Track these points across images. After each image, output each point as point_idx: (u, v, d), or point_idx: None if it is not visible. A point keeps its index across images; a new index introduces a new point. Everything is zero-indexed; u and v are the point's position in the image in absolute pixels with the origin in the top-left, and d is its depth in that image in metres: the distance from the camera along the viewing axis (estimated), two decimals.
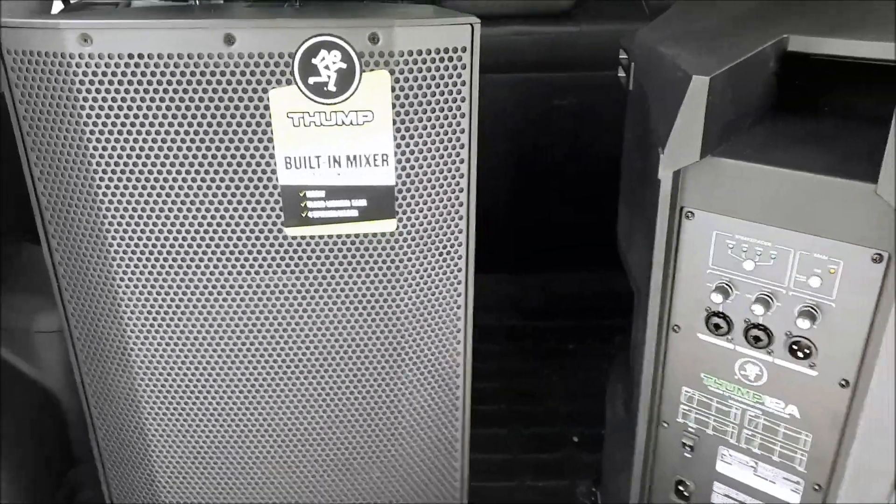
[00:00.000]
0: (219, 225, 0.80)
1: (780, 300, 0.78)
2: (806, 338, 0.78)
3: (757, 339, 0.81)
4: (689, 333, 0.86)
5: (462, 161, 0.81)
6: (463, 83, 0.77)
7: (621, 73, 0.94)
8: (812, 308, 0.76)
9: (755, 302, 0.79)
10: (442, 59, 0.75)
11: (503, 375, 1.65)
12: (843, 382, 0.78)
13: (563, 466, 1.41)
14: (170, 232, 0.80)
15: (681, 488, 0.97)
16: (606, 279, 1.82)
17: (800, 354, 0.79)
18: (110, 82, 0.72)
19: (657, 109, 0.80)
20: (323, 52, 0.72)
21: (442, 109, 0.77)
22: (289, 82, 0.73)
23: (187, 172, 0.77)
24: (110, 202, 0.78)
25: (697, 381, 0.89)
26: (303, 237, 0.81)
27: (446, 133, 0.79)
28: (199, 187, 0.78)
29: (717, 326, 0.84)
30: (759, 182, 0.74)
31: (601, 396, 1.32)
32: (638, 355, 0.94)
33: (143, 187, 0.77)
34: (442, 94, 0.76)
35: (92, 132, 0.74)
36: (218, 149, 0.76)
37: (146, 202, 0.78)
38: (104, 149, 0.75)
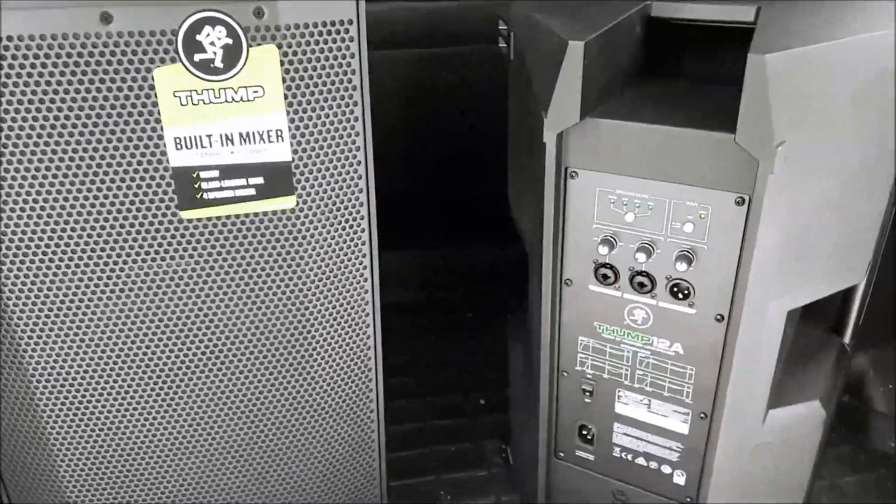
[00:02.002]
0: (109, 212, 0.77)
1: (659, 247, 0.85)
2: (684, 280, 0.85)
3: (641, 285, 0.88)
4: (581, 286, 0.92)
5: (357, 134, 0.82)
6: (352, 55, 0.78)
7: (502, 44, 0.98)
8: (688, 252, 0.83)
9: (638, 251, 0.85)
10: (329, 32, 0.76)
11: (407, 349, 1.68)
12: (719, 317, 0.86)
13: (473, 429, 1.46)
14: (56, 223, 0.76)
15: (584, 432, 1.04)
16: (501, 249, 1.89)
17: (680, 296, 0.87)
18: None
19: (538, 76, 0.84)
20: (207, 29, 0.71)
21: (333, 82, 0.78)
22: (173, 60, 0.72)
23: (70, 159, 0.74)
24: None
25: (591, 329, 0.95)
26: (199, 219, 0.80)
27: (339, 106, 0.80)
28: (86, 174, 0.75)
29: (605, 277, 0.90)
30: (632, 139, 0.80)
31: (502, 362, 1.37)
32: (535, 311, 0.99)
33: (24, 177, 0.74)
34: (332, 66, 0.77)
35: None
36: (102, 132, 0.73)
37: (28, 192, 0.74)
38: None
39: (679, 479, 1.00)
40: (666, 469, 1.00)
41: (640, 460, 1.01)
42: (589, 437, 1.04)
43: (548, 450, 1.08)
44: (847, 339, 1.10)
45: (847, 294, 1.06)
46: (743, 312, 0.83)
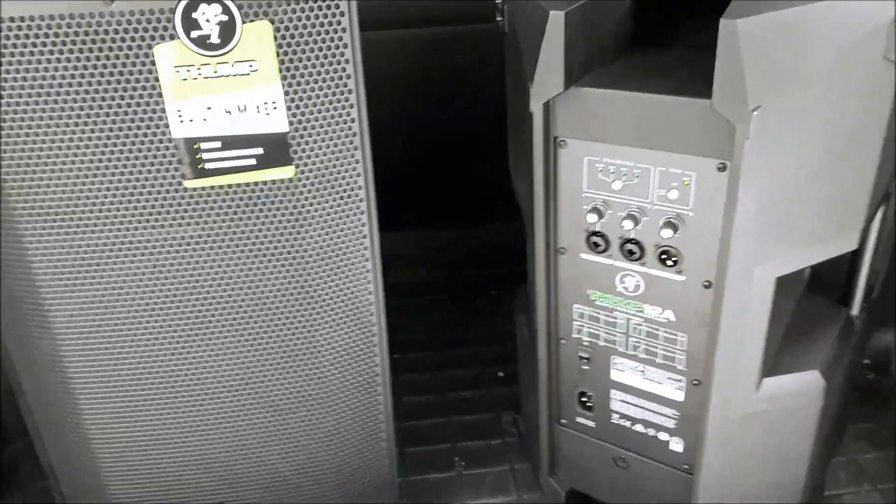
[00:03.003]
0: (119, 182, 0.83)
1: (647, 214, 0.86)
2: (672, 246, 0.87)
3: (631, 252, 0.89)
4: (574, 254, 0.94)
5: (352, 106, 0.86)
6: (343, 29, 0.81)
7: (499, 18, 1.00)
8: (674, 219, 0.85)
9: (626, 218, 0.87)
10: (321, 8, 0.79)
11: (422, 328, 1.71)
12: (706, 283, 0.87)
13: (487, 401, 1.50)
14: (72, 192, 0.83)
15: (584, 399, 1.06)
16: (508, 229, 1.90)
17: (668, 263, 0.88)
18: None
19: (526, 47, 0.86)
20: (203, 6, 0.76)
21: (326, 56, 0.81)
22: (172, 37, 0.77)
23: (82, 132, 0.80)
24: (8, 166, 0.80)
25: (585, 297, 0.97)
26: (203, 188, 0.85)
27: (333, 79, 0.83)
28: (97, 146, 0.80)
29: (596, 245, 0.92)
30: (617, 107, 0.82)
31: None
32: (532, 281, 1.01)
33: (41, 150, 0.80)
34: (324, 41, 0.81)
35: None
36: (109, 107, 0.79)
37: (43, 166, 0.81)
38: None
39: (677, 446, 1.01)
40: (663, 436, 1.01)
41: (639, 427, 1.03)
42: (589, 403, 1.06)
43: (549, 416, 1.10)
44: (855, 311, 1.09)
45: (853, 265, 1.05)
46: (729, 278, 0.83)
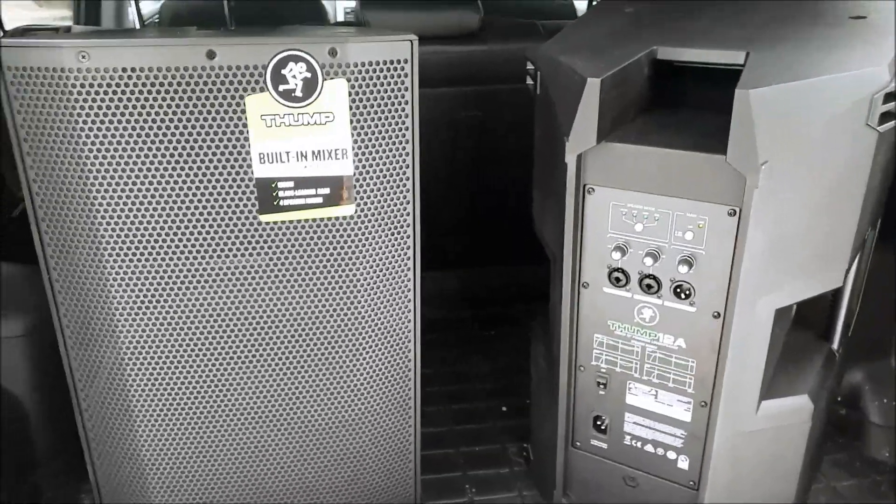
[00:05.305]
0: (201, 215, 0.92)
1: (664, 253, 0.99)
2: (686, 281, 0.99)
3: (649, 286, 1.01)
4: (597, 288, 1.06)
5: (408, 154, 0.97)
6: (406, 88, 0.93)
7: (529, 81, 1.13)
8: (689, 257, 0.97)
9: (646, 256, 0.99)
10: (388, 70, 0.91)
11: (433, 362, 1.81)
12: (716, 314, 0.99)
13: (494, 434, 1.58)
14: (157, 223, 0.92)
15: (598, 423, 1.16)
16: (517, 272, 2.03)
17: (682, 296, 1.00)
18: (105, 92, 0.84)
19: (561, 107, 0.99)
20: (291, 64, 0.87)
21: (390, 111, 0.93)
22: (262, 90, 0.87)
23: (174, 170, 0.89)
24: (103, 198, 0.89)
25: (605, 327, 1.08)
26: (275, 223, 0.95)
27: (394, 130, 0.95)
28: (185, 182, 0.90)
29: (617, 280, 1.03)
30: (641, 159, 0.95)
31: (520, 374, 1.46)
32: (556, 313, 1.13)
33: (134, 184, 0.89)
34: (389, 97, 0.93)
35: (87, 136, 0.86)
36: (201, 148, 0.89)
37: (136, 198, 0.90)
38: (98, 150, 0.87)
39: (683, 464, 1.12)
40: (671, 455, 1.12)
41: (649, 447, 1.14)
42: (603, 427, 1.16)
43: (566, 440, 1.20)
44: (835, 345, 1.22)
45: (834, 304, 1.19)
46: (736, 309, 0.96)
